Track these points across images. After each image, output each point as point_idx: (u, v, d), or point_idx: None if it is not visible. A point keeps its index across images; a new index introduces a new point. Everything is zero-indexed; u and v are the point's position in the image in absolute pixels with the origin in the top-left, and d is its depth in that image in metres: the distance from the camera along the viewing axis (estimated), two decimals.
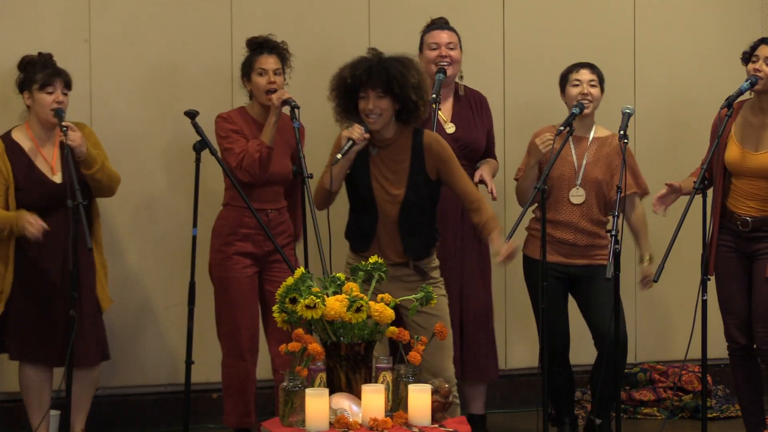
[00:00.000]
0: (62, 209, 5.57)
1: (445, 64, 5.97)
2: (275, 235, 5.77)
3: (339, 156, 5.24)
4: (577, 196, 5.94)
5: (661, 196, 5.78)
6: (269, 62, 5.89)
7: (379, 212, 5.32)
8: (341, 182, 5.36)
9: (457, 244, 6.00)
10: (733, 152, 5.72)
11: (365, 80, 5.24)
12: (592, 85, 5.96)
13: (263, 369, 6.13)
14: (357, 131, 5.26)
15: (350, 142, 5.25)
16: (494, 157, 6.27)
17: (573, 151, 5.97)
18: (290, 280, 4.64)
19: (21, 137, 5.79)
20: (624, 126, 5.59)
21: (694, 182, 5.50)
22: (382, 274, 4.87)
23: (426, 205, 5.38)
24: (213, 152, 5.50)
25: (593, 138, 6.01)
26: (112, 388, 6.52)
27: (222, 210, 5.96)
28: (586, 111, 5.92)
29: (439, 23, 6.14)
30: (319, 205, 5.41)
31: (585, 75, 5.98)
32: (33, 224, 5.56)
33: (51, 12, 6.40)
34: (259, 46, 5.94)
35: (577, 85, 5.96)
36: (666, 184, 5.78)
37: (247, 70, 5.94)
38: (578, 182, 5.94)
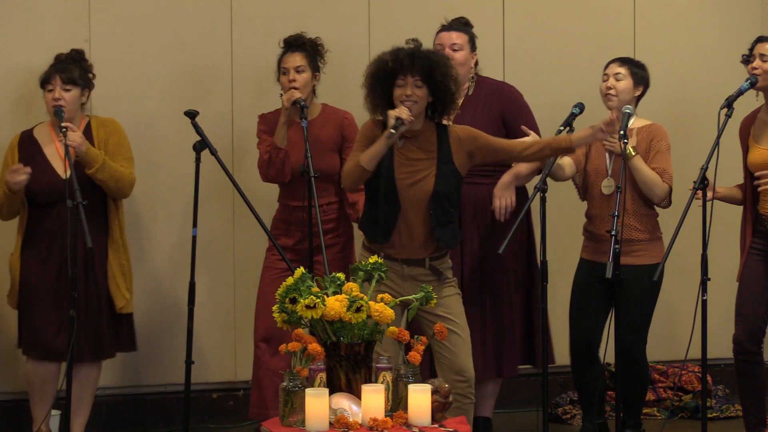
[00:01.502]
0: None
1: None
2: (318, 233, 5.70)
3: (393, 131, 5.15)
4: (607, 186, 5.93)
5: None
6: (291, 60, 5.91)
7: (401, 203, 5.29)
8: (377, 164, 5.26)
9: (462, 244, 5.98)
10: (751, 153, 5.74)
11: (407, 65, 5.21)
12: (618, 79, 5.97)
13: None
14: (405, 111, 5.20)
15: (399, 121, 5.18)
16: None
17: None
18: (290, 280, 4.64)
19: (42, 133, 5.88)
20: (624, 126, 5.59)
21: (694, 183, 5.49)
22: (382, 274, 4.86)
23: (453, 196, 5.36)
24: (213, 152, 5.50)
25: (636, 130, 5.99)
26: (112, 388, 6.52)
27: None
28: (612, 105, 5.94)
29: (451, 23, 6.08)
30: (351, 186, 5.36)
31: (612, 69, 6.01)
32: (14, 177, 5.64)
33: (51, 12, 6.40)
34: (287, 45, 5.98)
35: (605, 80, 6.00)
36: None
37: (277, 71, 5.98)
38: (609, 173, 5.94)
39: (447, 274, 5.41)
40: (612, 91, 5.96)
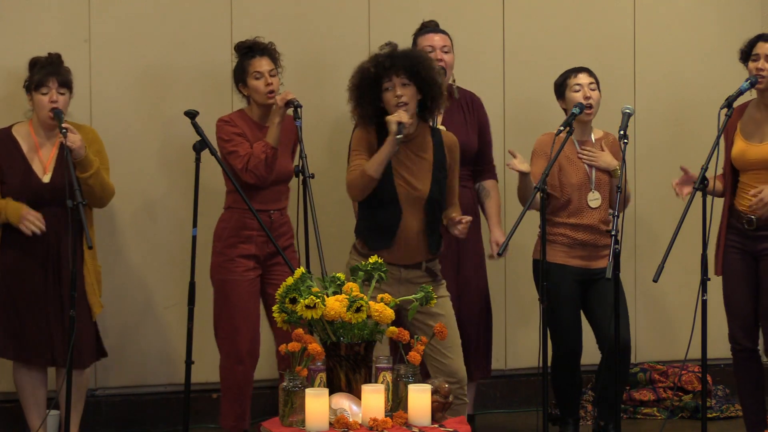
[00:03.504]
0: (47, 209, 5.63)
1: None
2: (277, 237, 5.77)
3: (399, 137, 5.14)
4: (594, 199, 5.97)
5: (679, 183, 5.74)
6: (263, 64, 5.87)
7: (402, 208, 5.29)
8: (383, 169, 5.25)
9: (452, 245, 5.98)
10: (737, 147, 5.75)
11: (389, 66, 5.20)
12: (592, 89, 5.98)
13: (266, 369, 6.14)
14: (403, 115, 5.18)
15: (401, 125, 5.17)
16: (489, 163, 6.24)
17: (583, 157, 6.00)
18: (290, 280, 4.64)
19: (21, 133, 5.81)
20: (624, 126, 5.58)
21: (694, 184, 5.49)
22: (382, 274, 4.86)
23: (443, 201, 5.38)
24: (213, 152, 5.50)
25: (595, 140, 6.03)
26: (112, 388, 6.52)
27: (224, 212, 5.96)
28: (591, 118, 5.97)
29: (432, 26, 6.14)
30: (359, 195, 5.31)
31: (584, 79, 5.99)
32: (34, 222, 5.59)
33: (51, 12, 6.40)
34: (249, 49, 5.92)
35: (578, 90, 5.97)
36: (681, 168, 5.75)
37: (242, 75, 5.91)
38: (593, 186, 5.96)
39: (439, 275, 5.43)
40: (591, 101, 5.96)
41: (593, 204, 5.97)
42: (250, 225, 5.83)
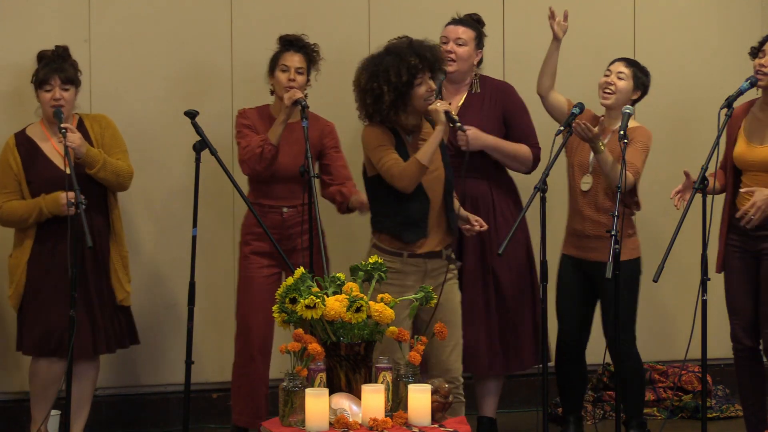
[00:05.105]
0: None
1: (448, 60, 5.94)
2: (291, 236, 5.74)
3: (459, 123, 5.24)
4: (585, 183, 5.94)
5: (680, 191, 5.73)
6: (293, 60, 5.91)
7: (428, 195, 5.30)
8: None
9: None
10: (739, 147, 5.76)
11: (433, 62, 5.23)
12: (620, 77, 5.96)
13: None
14: (444, 103, 5.25)
15: (449, 113, 5.22)
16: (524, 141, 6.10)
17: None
18: (290, 280, 4.64)
19: (35, 132, 5.86)
20: (624, 126, 5.58)
21: (694, 183, 5.48)
22: (382, 274, 4.86)
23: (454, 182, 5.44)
24: (213, 152, 5.50)
25: (615, 130, 5.97)
26: (112, 388, 6.52)
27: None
28: (607, 102, 5.94)
29: (460, 18, 6.09)
30: (412, 185, 5.24)
31: (616, 67, 6.01)
32: (63, 203, 5.64)
33: (51, 12, 6.40)
34: (288, 43, 5.96)
35: (607, 76, 6.00)
36: (685, 173, 5.72)
37: (272, 65, 5.95)
38: (590, 170, 5.94)
39: (454, 259, 5.47)
40: (612, 87, 5.95)
41: (583, 187, 5.95)
42: (264, 221, 5.81)
